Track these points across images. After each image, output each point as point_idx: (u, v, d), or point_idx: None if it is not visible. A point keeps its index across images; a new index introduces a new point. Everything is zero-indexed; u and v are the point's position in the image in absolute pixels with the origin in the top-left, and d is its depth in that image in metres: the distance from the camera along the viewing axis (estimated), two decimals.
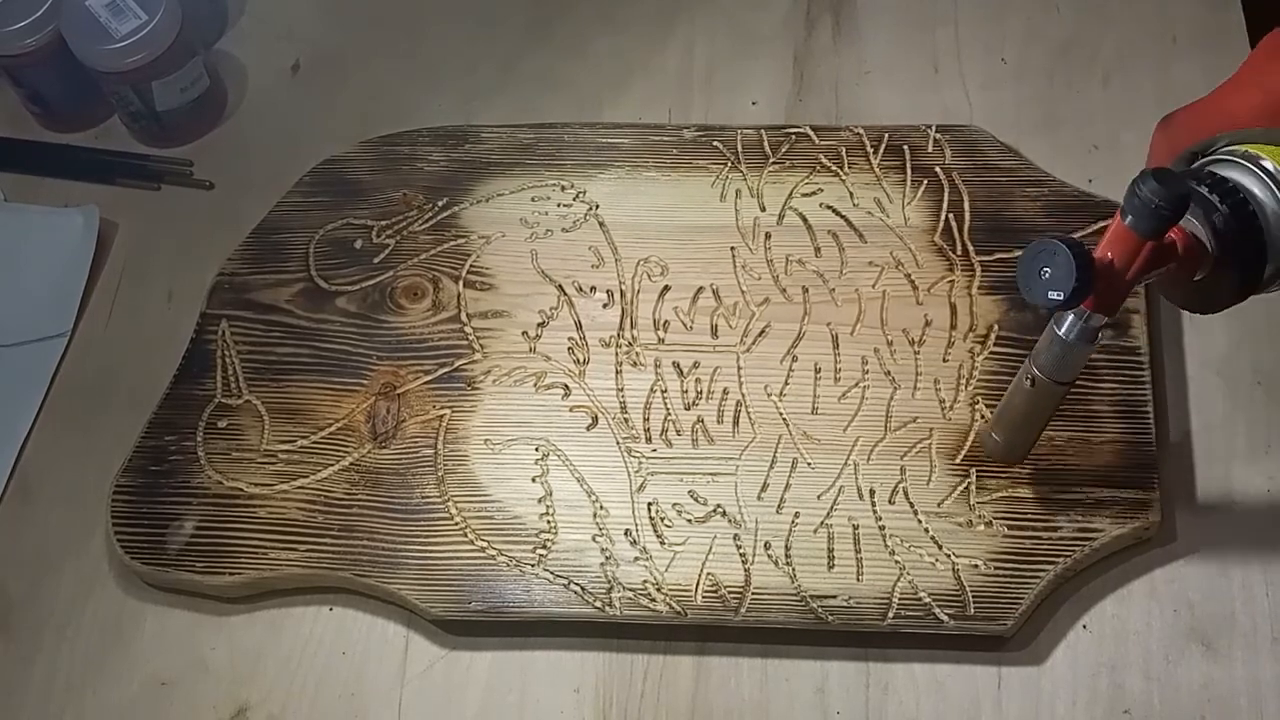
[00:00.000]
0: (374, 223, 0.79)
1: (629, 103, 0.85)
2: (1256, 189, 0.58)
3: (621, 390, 0.73)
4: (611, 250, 0.77)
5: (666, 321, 0.75)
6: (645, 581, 0.67)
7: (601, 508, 0.69)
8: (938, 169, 0.78)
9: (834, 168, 0.78)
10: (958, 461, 0.69)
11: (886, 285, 0.74)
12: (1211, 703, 0.64)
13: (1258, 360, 0.72)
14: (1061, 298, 0.55)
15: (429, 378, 0.74)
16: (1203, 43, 0.82)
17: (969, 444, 0.69)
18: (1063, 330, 0.58)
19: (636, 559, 0.68)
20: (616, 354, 0.74)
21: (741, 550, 0.68)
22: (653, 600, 0.67)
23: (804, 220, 0.77)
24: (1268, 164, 0.58)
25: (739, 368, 0.73)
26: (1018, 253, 0.73)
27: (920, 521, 0.67)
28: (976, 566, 0.66)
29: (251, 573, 0.69)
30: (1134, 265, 0.56)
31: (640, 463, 0.70)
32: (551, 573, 0.68)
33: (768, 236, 0.77)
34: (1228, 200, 0.57)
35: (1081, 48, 0.83)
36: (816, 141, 0.79)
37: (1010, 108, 0.81)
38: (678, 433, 0.71)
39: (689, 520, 0.69)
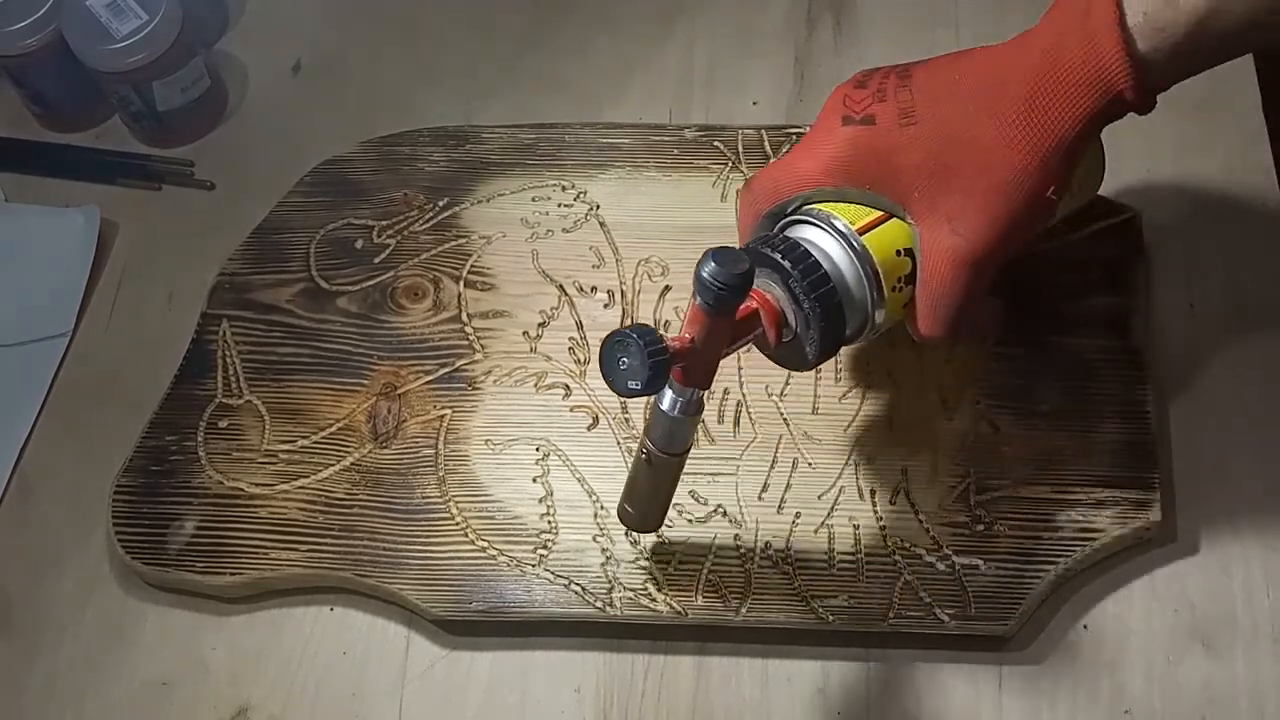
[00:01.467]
0: (375, 223, 0.79)
1: (629, 103, 0.85)
2: (831, 249, 0.61)
3: None
4: (612, 250, 0.77)
5: (667, 322, 0.75)
6: (646, 581, 0.67)
7: (602, 508, 0.69)
8: None
9: None
10: (958, 462, 0.69)
11: None
12: (1212, 703, 0.64)
13: (1257, 360, 0.72)
14: (639, 386, 0.57)
15: (430, 378, 0.74)
16: None
17: (970, 444, 0.69)
18: (665, 405, 0.60)
19: (637, 559, 0.68)
20: None
21: (742, 550, 0.68)
22: (653, 600, 0.67)
23: None
24: (839, 223, 0.61)
25: (739, 368, 0.73)
26: None
27: (921, 522, 0.67)
28: (977, 567, 0.66)
29: (252, 573, 0.69)
30: (714, 342, 0.58)
31: None
32: (552, 573, 0.68)
33: None
34: (800, 265, 0.59)
35: None
36: None
37: None
38: None
39: (689, 520, 0.69)
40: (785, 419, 0.71)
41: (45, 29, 0.82)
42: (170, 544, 0.70)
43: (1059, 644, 0.66)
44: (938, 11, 0.86)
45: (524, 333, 0.75)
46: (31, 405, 0.77)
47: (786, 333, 0.61)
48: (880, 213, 0.61)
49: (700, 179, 0.79)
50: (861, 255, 0.60)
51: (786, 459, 0.70)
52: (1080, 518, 0.67)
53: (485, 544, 0.69)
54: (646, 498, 0.64)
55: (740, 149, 0.79)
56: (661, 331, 0.60)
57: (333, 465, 0.72)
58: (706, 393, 0.61)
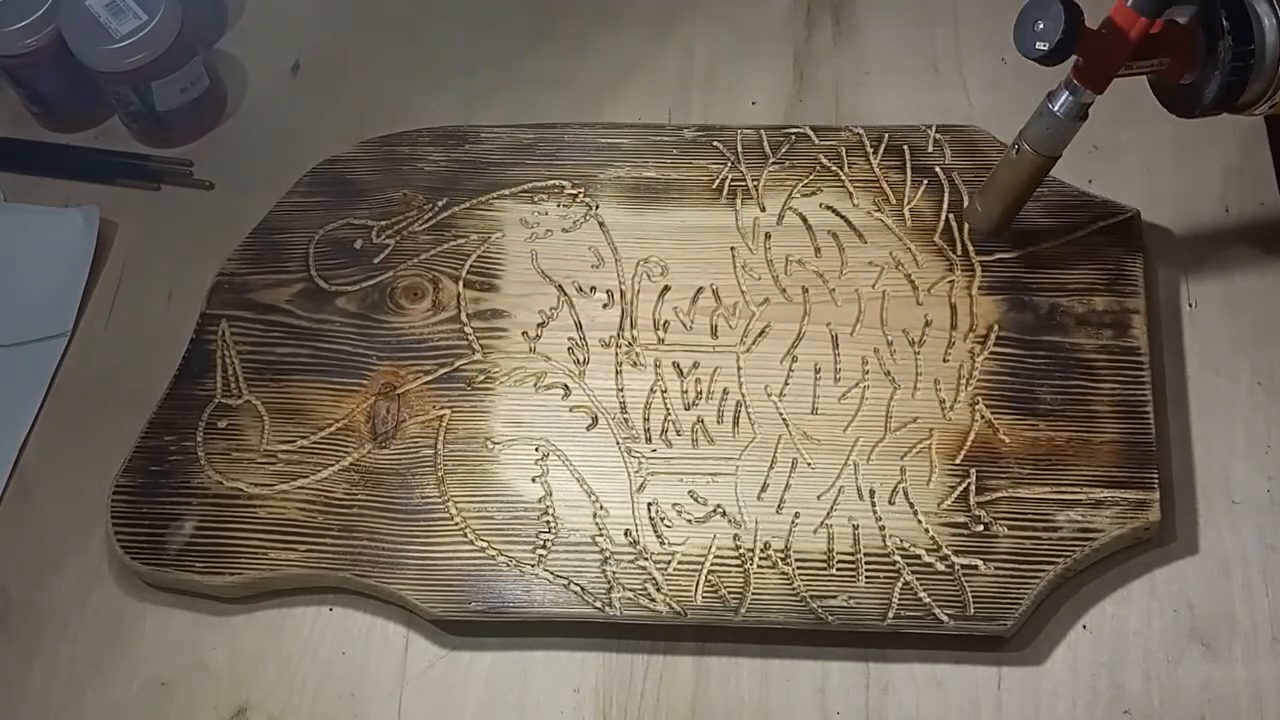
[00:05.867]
0: (374, 223, 0.79)
1: (629, 103, 0.85)
2: (1264, 11, 0.62)
3: (621, 390, 0.73)
4: (611, 250, 0.77)
5: (666, 322, 0.75)
6: (645, 581, 0.67)
7: (601, 508, 0.69)
8: (938, 169, 0.78)
9: (834, 168, 0.78)
10: (958, 462, 0.69)
11: (886, 285, 0.74)
12: (1211, 703, 0.64)
13: (1257, 360, 0.72)
14: (1047, 48, 0.60)
15: (429, 378, 0.74)
16: None
17: (969, 444, 0.69)
18: (1055, 105, 0.64)
19: (636, 559, 0.68)
20: (616, 354, 0.74)
21: (741, 550, 0.68)
22: (652, 600, 0.67)
23: (804, 220, 0.77)
24: None
25: (739, 368, 0.73)
26: (1018, 253, 0.74)
27: (920, 522, 0.67)
28: (976, 567, 0.66)
29: (251, 573, 0.69)
30: (1123, 43, 0.62)
31: (640, 463, 0.70)
32: (551, 573, 0.68)
33: (768, 236, 0.77)
34: (1229, 8, 0.61)
35: None
36: (816, 142, 0.79)
37: (1010, 108, 0.81)
38: (678, 433, 0.71)
39: (689, 520, 0.69)
40: (784, 419, 0.71)
41: (45, 29, 0.82)
42: (169, 544, 0.70)
43: (1058, 644, 0.66)
44: (937, 11, 0.86)
45: (523, 333, 0.75)
46: (31, 405, 0.77)
47: (1188, 75, 0.64)
48: None
49: (700, 179, 0.79)
50: None
51: (786, 459, 0.70)
52: (1079, 518, 0.67)
53: (484, 544, 0.69)
54: (1000, 194, 0.67)
55: (739, 149, 0.79)
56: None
57: (332, 465, 0.72)
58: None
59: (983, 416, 0.70)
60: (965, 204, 0.68)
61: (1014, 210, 0.68)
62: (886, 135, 0.79)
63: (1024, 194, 0.67)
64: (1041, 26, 0.60)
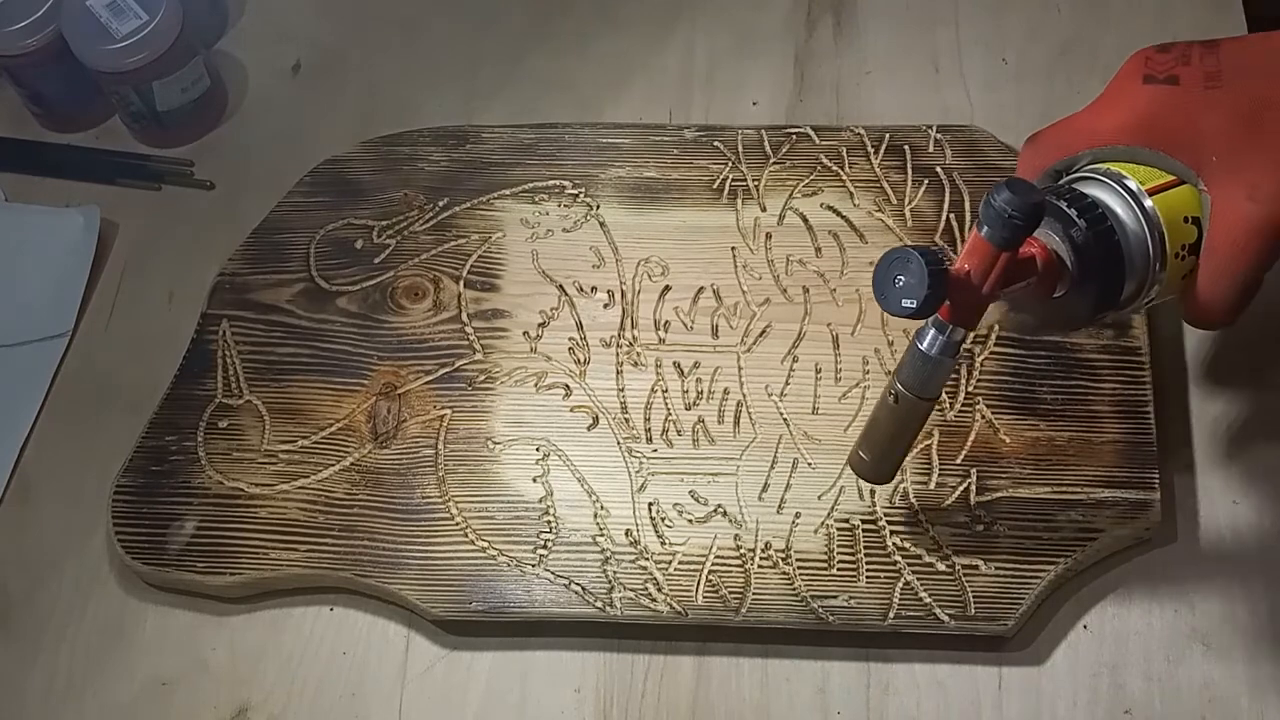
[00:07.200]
0: (375, 223, 0.80)
1: (629, 103, 0.85)
2: (1118, 207, 0.58)
3: (622, 390, 0.73)
4: (612, 250, 0.77)
5: (667, 321, 0.75)
6: (646, 581, 0.67)
7: (602, 508, 0.69)
8: (938, 169, 0.78)
9: (835, 168, 0.78)
10: (958, 461, 0.69)
11: None
12: (1212, 703, 0.64)
13: (1257, 360, 0.72)
14: (914, 305, 0.55)
15: (430, 378, 0.74)
16: None
17: (970, 444, 0.69)
18: (924, 345, 0.58)
19: (637, 559, 0.68)
20: (617, 354, 0.74)
21: (742, 550, 0.68)
22: (653, 600, 0.67)
23: (804, 220, 0.77)
24: (1130, 183, 0.59)
25: (740, 368, 0.73)
26: None
27: (921, 522, 0.67)
28: (977, 567, 0.66)
29: (252, 573, 0.69)
30: (991, 277, 0.56)
31: (641, 463, 0.70)
32: (552, 573, 0.68)
33: (768, 236, 0.77)
34: (1086, 215, 0.57)
35: (1081, 48, 0.83)
36: (817, 142, 0.79)
37: (1010, 108, 0.81)
38: (678, 433, 0.71)
39: (690, 520, 0.69)
40: (785, 419, 0.71)
41: (45, 29, 0.82)
42: (170, 544, 0.70)
43: (1059, 644, 0.66)
44: (938, 11, 0.86)
45: (524, 333, 0.75)
46: (31, 405, 0.77)
47: (1060, 287, 0.59)
48: (1170, 176, 0.59)
49: (700, 179, 0.79)
50: (1150, 217, 0.58)
51: (786, 459, 0.70)
52: (1080, 518, 0.67)
53: (485, 544, 0.69)
54: (885, 444, 0.61)
55: (740, 149, 0.79)
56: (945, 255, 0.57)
57: (333, 465, 0.72)
58: (965, 338, 0.58)
59: (983, 416, 0.70)
60: (849, 454, 0.62)
61: (901, 457, 0.62)
62: (887, 135, 0.79)
63: (909, 439, 0.61)
64: (902, 281, 0.55)
